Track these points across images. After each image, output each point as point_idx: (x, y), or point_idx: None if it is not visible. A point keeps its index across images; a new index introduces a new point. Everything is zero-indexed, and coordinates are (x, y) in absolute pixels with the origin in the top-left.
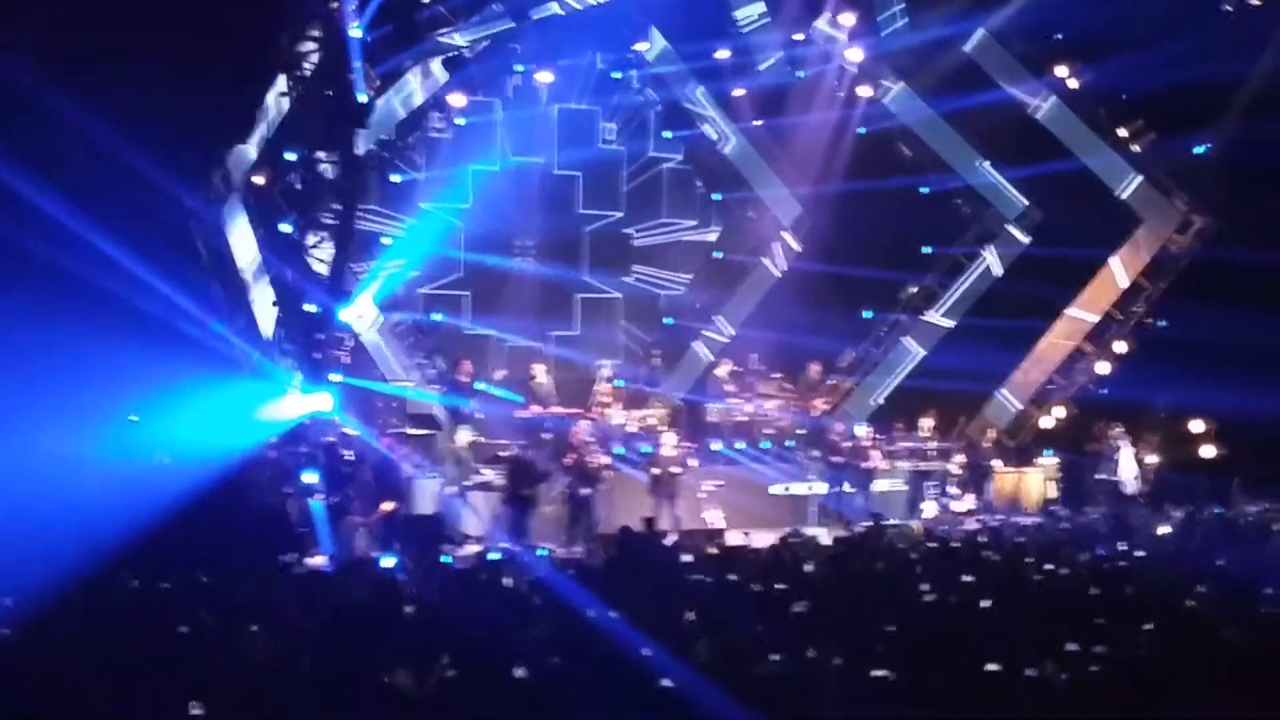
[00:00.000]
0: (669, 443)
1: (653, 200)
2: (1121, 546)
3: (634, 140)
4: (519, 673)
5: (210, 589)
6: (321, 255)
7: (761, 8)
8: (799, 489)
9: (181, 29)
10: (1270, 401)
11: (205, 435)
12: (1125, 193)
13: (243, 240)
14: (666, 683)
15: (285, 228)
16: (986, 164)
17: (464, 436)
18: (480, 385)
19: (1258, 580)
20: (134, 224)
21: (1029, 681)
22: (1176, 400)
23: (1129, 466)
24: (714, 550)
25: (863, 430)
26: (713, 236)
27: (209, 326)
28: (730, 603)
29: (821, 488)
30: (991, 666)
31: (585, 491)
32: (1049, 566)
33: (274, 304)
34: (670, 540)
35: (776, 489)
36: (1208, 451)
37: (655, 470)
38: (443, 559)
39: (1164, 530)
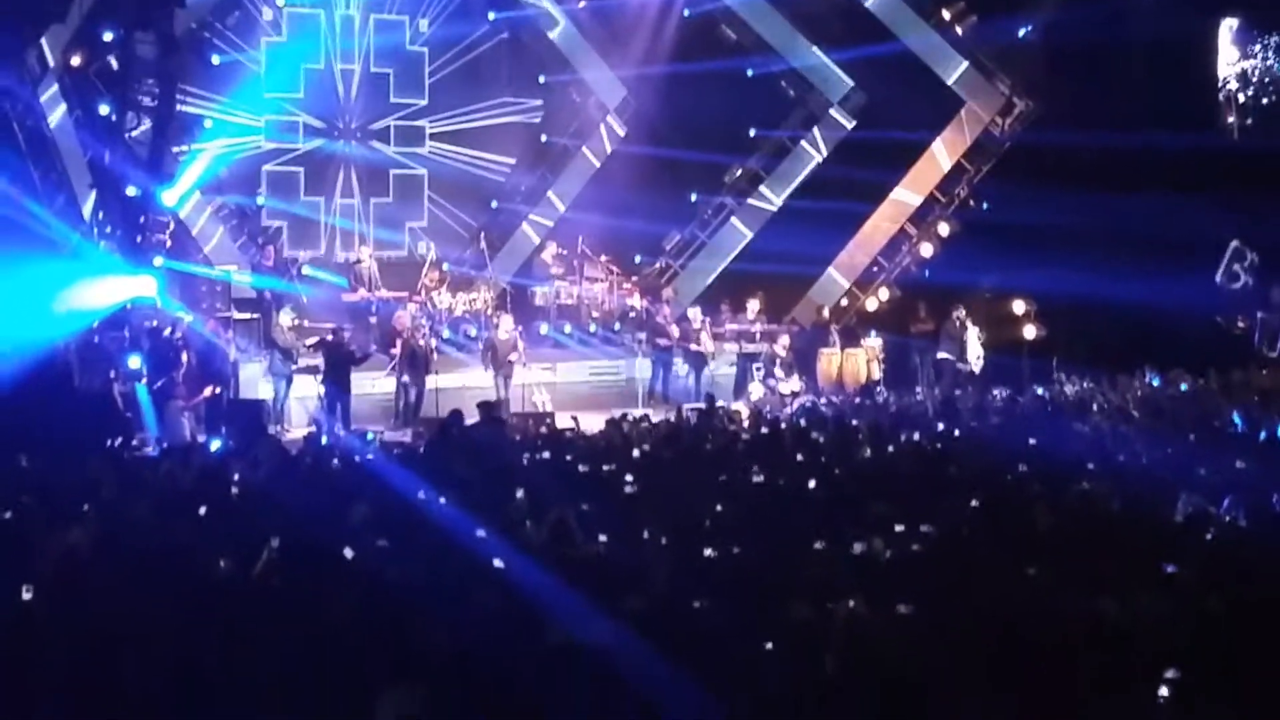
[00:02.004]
0: (505, 325)
1: (475, 83)
2: (945, 427)
3: (458, 23)
4: (347, 553)
5: (33, 474)
6: (140, 137)
7: None
8: (627, 372)
9: None
10: (1088, 283)
11: (25, 319)
12: (949, 76)
13: (60, 121)
14: (497, 563)
15: (103, 109)
16: (813, 47)
17: (286, 319)
18: (307, 270)
19: (1077, 459)
20: None
21: (854, 558)
22: (999, 282)
23: (974, 347)
24: (543, 432)
25: (690, 313)
26: (538, 119)
27: (26, 207)
28: (559, 484)
29: (649, 370)
30: (818, 544)
31: (412, 375)
32: (875, 446)
33: (91, 186)
34: (500, 423)
35: (604, 372)
36: (1029, 332)
37: (485, 353)
38: (268, 443)
39: (987, 411)
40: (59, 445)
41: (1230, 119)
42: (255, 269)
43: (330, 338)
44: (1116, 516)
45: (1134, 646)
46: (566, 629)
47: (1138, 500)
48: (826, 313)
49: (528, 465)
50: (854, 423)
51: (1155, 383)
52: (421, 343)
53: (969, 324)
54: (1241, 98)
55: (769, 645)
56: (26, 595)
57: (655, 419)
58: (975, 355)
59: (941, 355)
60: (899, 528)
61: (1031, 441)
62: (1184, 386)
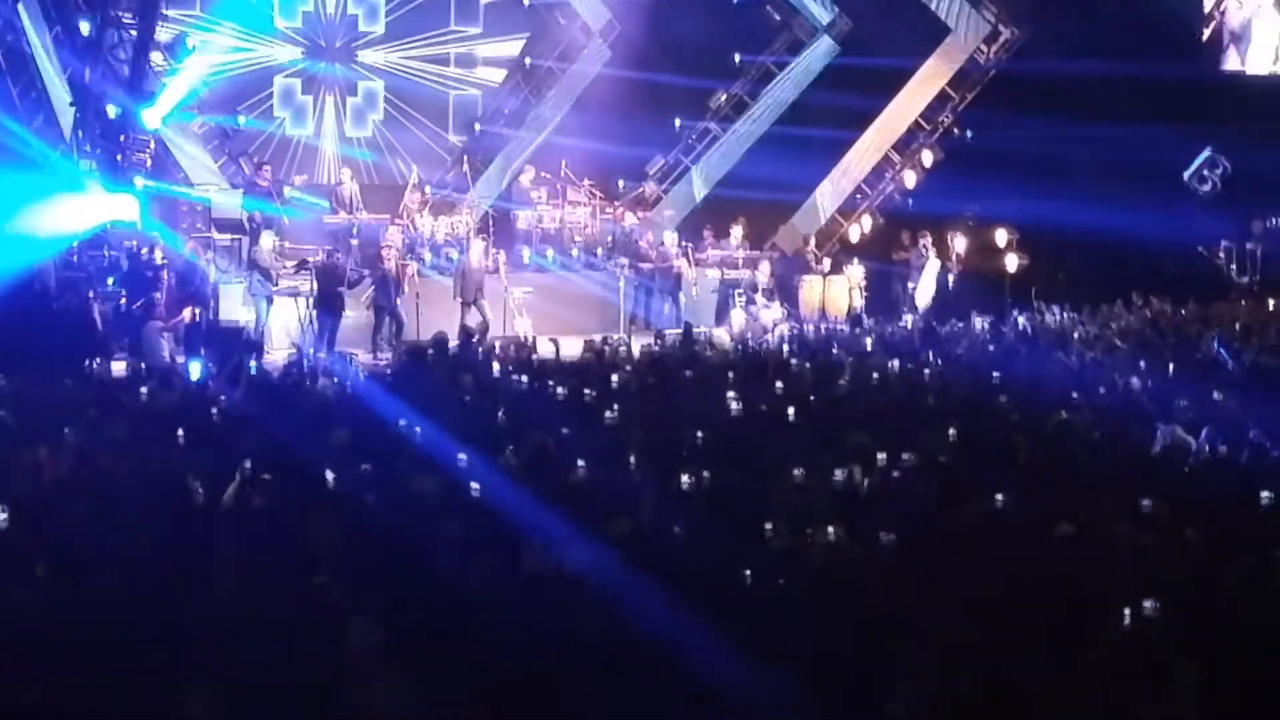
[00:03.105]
0: (476, 250)
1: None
2: (924, 357)
3: None
4: (329, 476)
5: (10, 393)
6: (122, 56)
7: None
8: (608, 297)
9: None
10: (1069, 212)
11: (2, 239)
12: (934, 3)
13: (39, 38)
14: (474, 487)
15: (83, 26)
16: None
17: (267, 241)
18: (289, 191)
19: (1057, 389)
20: None
21: (834, 486)
22: (982, 211)
23: (929, 278)
24: (524, 357)
25: (671, 238)
26: (521, 42)
27: (5, 126)
28: (540, 409)
29: (630, 296)
30: (796, 472)
31: (393, 298)
32: (855, 376)
33: (70, 105)
34: (481, 348)
35: (586, 297)
36: (1011, 262)
37: (455, 278)
38: (249, 365)
39: (969, 340)
40: (37, 365)
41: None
42: (248, 190)
43: (324, 259)
44: (1096, 445)
45: (1110, 575)
46: (545, 554)
47: (1117, 431)
48: (809, 240)
49: (507, 391)
50: (834, 351)
51: (1134, 312)
52: (401, 266)
53: (929, 253)
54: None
55: (748, 571)
56: (1, 517)
57: (635, 345)
58: (927, 287)
59: (911, 285)
60: (881, 456)
61: (1005, 373)
62: (1165, 318)
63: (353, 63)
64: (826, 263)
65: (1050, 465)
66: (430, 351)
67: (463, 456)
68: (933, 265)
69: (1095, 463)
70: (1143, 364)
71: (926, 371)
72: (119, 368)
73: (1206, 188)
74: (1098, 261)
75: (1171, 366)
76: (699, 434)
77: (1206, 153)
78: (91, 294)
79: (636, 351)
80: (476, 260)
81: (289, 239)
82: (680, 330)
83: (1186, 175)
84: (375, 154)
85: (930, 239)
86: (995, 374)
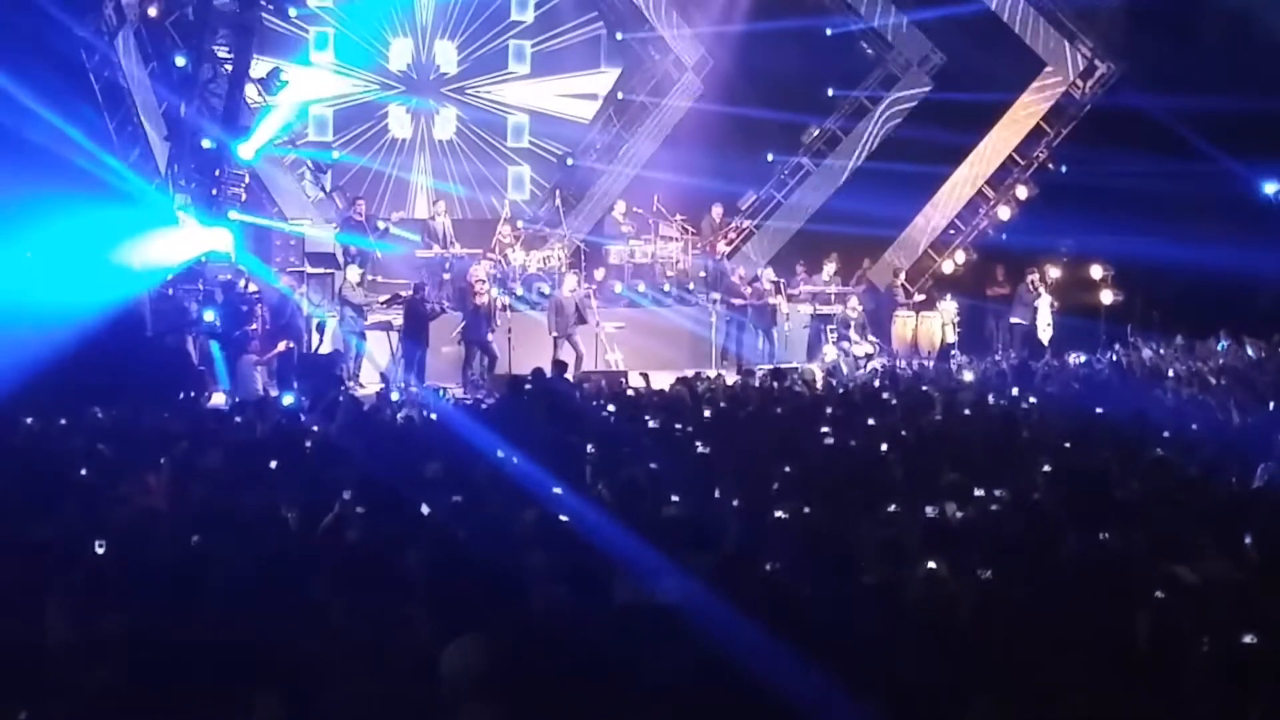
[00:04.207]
0: (569, 284)
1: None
2: (1019, 392)
3: None
4: (424, 509)
5: (108, 425)
6: (217, 90)
7: None
8: (700, 331)
9: None
10: (1164, 248)
11: (100, 272)
12: (1029, 37)
13: (136, 72)
14: (564, 518)
15: (179, 61)
16: (892, 6)
17: (354, 275)
18: (381, 224)
19: (1152, 425)
20: (24, 54)
21: (927, 521)
22: (1076, 246)
23: (1045, 314)
24: (616, 391)
25: (764, 273)
26: (614, 76)
27: (102, 160)
28: (631, 442)
29: (722, 330)
30: (891, 507)
31: (484, 332)
32: (948, 410)
33: (165, 139)
34: (573, 381)
35: (678, 331)
36: (1106, 297)
37: (549, 312)
38: (341, 397)
39: (1063, 375)
40: (133, 398)
41: None
42: (343, 225)
43: (412, 293)
44: (1192, 483)
45: (1207, 612)
46: (635, 586)
47: (1214, 468)
48: (899, 274)
49: (599, 423)
50: (926, 387)
51: (1229, 347)
52: (493, 299)
53: (1041, 290)
54: None
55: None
56: (99, 549)
57: (728, 379)
58: (1045, 322)
59: (1015, 320)
60: (978, 492)
61: (1105, 408)
62: (1262, 353)
63: (447, 98)
64: (918, 297)
65: (1146, 502)
66: (527, 385)
67: (555, 488)
68: (1045, 300)
69: (1191, 498)
70: (1239, 401)
71: (1024, 406)
72: (217, 399)
73: None
74: (1193, 297)
75: (1271, 404)
76: (787, 468)
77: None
78: (186, 326)
79: (729, 385)
80: (569, 292)
81: (381, 273)
82: (772, 365)
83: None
84: (468, 187)
85: (1039, 275)
86: (1091, 410)
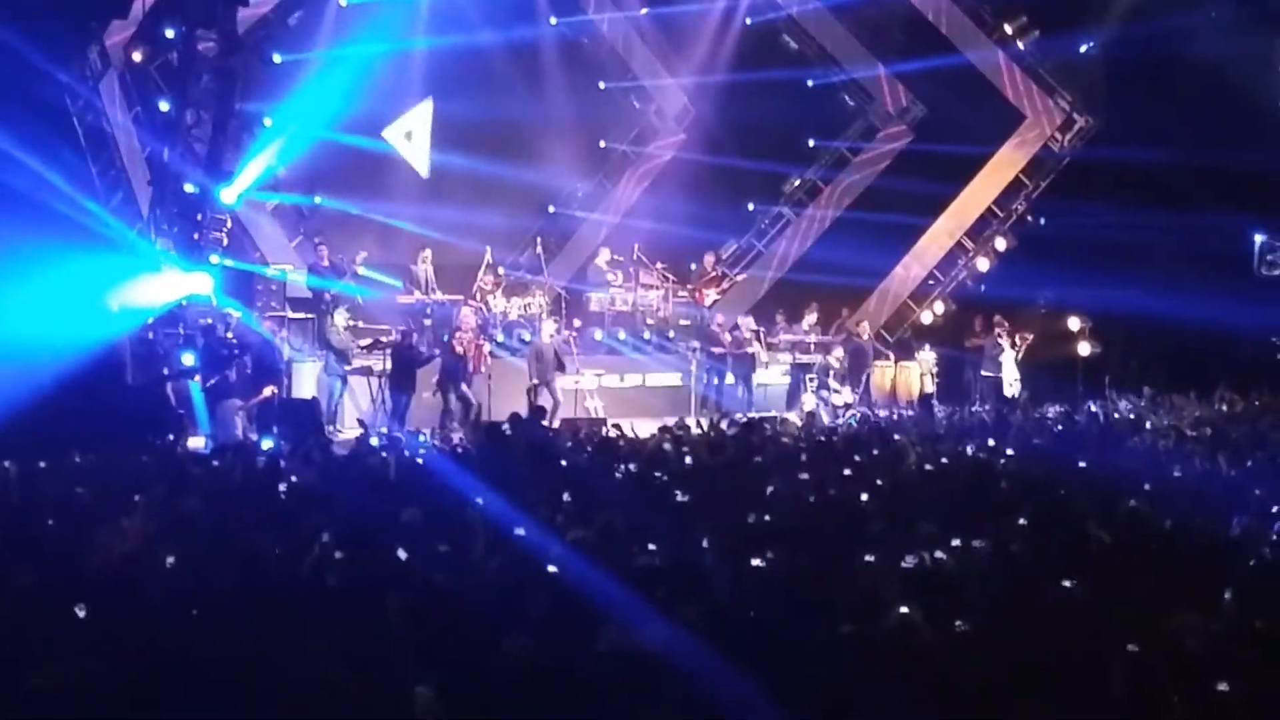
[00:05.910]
0: (548, 329)
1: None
2: (996, 443)
3: (519, 24)
4: (401, 554)
5: (86, 469)
6: (200, 135)
7: None
8: (680, 380)
9: None
10: (1142, 300)
11: (80, 315)
12: (1009, 90)
13: (119, 118)
14: (551, 569)
15: (163, 106)
16: (874, 59)
17: (340, 320)
18: (361, 270)
19: (1129, 477)
20: (6, 99)
21: (905, 571)
22: (1054, 298)
23: (1010, 369)
24: (594, 438)
25: (744, 322)
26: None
27: (84, 206)
28: (610, 489)
29: (702, 379)
30: (868, 557)
31: (459, 379)
32: (925, 461)
33: (149, 183)
34: (552, 428)
35: (657, 379)
36: (1083, 349)
37: (530, 359)
38: (321, 443)
39: (1040, 427)
40: (111, 441)
41: None
42: (311, 269)
43: (398, 338)
44: (1168, 535)
45: (1183, 663)
46: (619, 633)
47: (1190, 520)
48: (881, 326)
49: (576, 469)
50: (902, 437)
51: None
52: (473, 345)
53: (1005, 344)
54: None
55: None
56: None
57: (706, 428)
58: (1013, 377)
59: (984, 373)
60: (955, 542)
61: (1083, 461)
62: (1238, 407)
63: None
64: (897, 348)
65: (1122, 553)
66: (506, 430)
67: (529, 533)
68: (1010, 356)
69: (1167, 550)
70: (1217, 454)
71: (996, 458)
72: (195, 443)
73: (1277, 272)
74: (1170, 349)
75: (1248, 460)
76: (767, 516)
77: (1260, 240)
78: (166, 370)
79: (707, 433)
80: (548, 338)
81: (363, 318)
82: (750, 414)
83: (1256, 269)
84: (449, 233)
85: (1005, 327)
86: (1067, 461)
